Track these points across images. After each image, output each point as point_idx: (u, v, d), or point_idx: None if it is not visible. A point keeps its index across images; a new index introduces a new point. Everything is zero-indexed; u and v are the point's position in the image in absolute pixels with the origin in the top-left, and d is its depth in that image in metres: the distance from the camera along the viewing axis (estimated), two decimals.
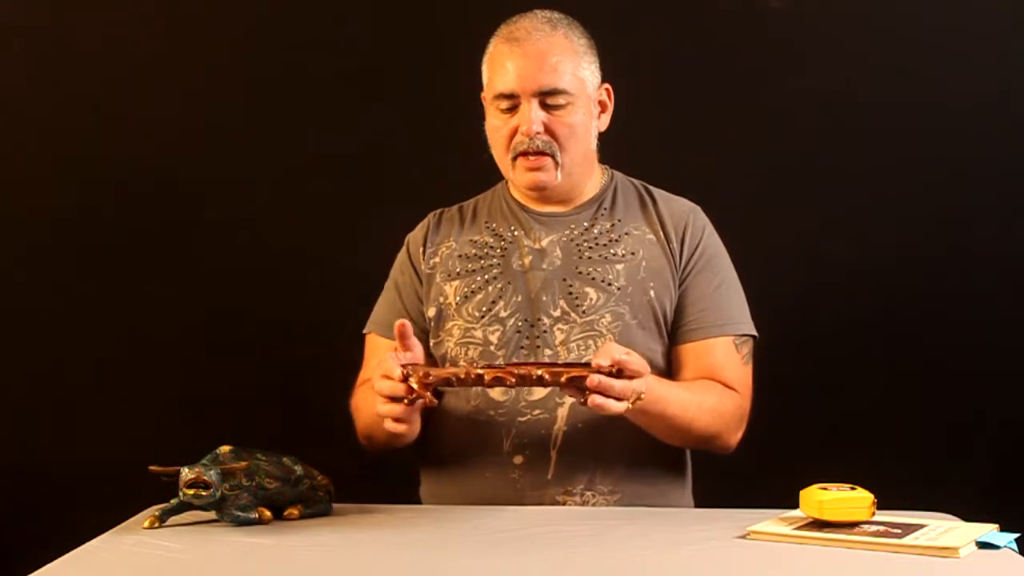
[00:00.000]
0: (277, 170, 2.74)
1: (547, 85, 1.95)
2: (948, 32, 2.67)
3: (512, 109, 1.97)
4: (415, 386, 1.67)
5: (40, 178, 2.76)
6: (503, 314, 1.98)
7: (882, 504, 1.65)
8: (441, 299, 2.03)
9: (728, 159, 2.65)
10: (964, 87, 2.65)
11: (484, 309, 1.99)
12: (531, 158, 1.97)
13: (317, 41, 2.75)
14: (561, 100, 1.95)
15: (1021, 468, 2.63)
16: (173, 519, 1.71)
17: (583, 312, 1.96)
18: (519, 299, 1.99)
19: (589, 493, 1.92)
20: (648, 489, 1.95)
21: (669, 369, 2.01)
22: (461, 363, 1.95)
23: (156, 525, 1.70)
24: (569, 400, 1.90)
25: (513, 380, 1.66)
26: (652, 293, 1.98)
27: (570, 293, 1.98)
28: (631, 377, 1.69)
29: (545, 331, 1.96)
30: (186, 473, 1.67)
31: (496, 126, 2.00)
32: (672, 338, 2.01)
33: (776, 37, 2.69)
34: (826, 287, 2.66)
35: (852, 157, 2.68)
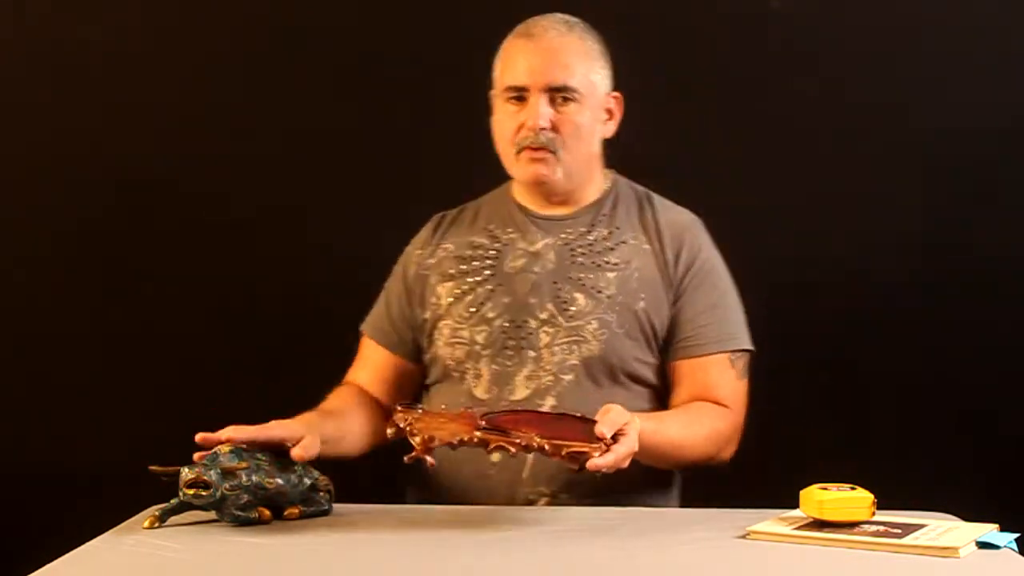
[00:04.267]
0: (280, 171, 2.74)
1: (557, 80, 1.96)
2: (948, 31, 2.66)
3: (520, 102, 1.97)
4: (416, 444, 1.65)
5: (40, 178, 2.75)
6: (490, 315, 1.99)
7: (882, 504, 1.65)
8: (434, 300, 2.04)
9: (726, 160, 2.65)
10: (965, 87, 2.65)
11: (472, 310, 2.00)
12: (534, 151, 1.97)
13: (329, 36, 2.74)
14: (570, 97, 1.96)
15: (1021, 468, 2.63)
16: (173, 519, 1.71)
17: (570, 317, 1.96)
18: (507, 300, 1.99)
19: (564, 495, 1.91)
20: (628, 493, 1.92)
21: (662, 383, 2.01)
22: (467, 407, 1.89)
23: (156, 525, 1.70)
24: (549, 402, 1.92)
25: (514, 450, 1.66)
26: (642, 304, 1.98)
27: (558, 297, 1.98)
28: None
29: (531, 333, 1.96)
30: (186, 473, 1.67)
31: (502, 120, 2.00)
32: (667, 353, 2.01)
33: (776, 38, 2.69)
34: (826, 288, 2.65)
35: (851, 158, 2.68)
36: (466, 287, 2.02)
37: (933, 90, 2.66)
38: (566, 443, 1.66)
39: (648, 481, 1.96)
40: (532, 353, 1.95)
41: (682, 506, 2.06)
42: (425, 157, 2.70)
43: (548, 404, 1.92)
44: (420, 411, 1.74)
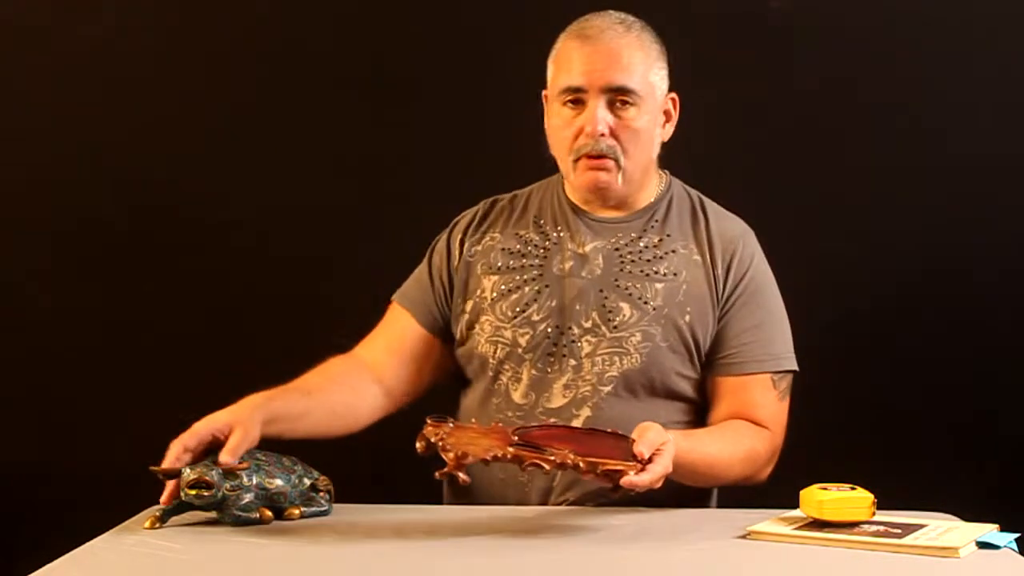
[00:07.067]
0: (279, 171, 2.74)
1: (616, 82, 1.88)
2: (947, 30, 2.67)
3: (577, 104, 1.90)
4: (448, 460, 1.61)
5: (40, 179, 2.75)
6: (535, 318, 1.94)
7: (882, 504, 1.65)
8: (479, 292, 1.99)
9: (726, 158, 2.65)
10: (964, 85, 2.65)
11: (517, 310, 1.95)
12: (594, 159, 1.91)
13: (325, 41, 2.75)
14: (629, 100, 1.89)
15: (1021, 468, 2.63)
16: (174, 519, 1.71)
17: (614, 327, 1.91)
18: (553, 304, 1.94)
19: (591, 504, 1.87)
20: (663, 507, 1.87)
21: (702, 397, 1.97)
22: (499, 420, 1.87)
23: (157, 525, 1.69)
24: (584, 413, 1.88)
25: (548, 468, 1.63)
26: (688, 318, 1.92)
27: (603, 305, 1.92)
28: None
29: (573, 340, 1.91)
30: (188, 473, 1.67)
31: (558, 126, 1.93)
32: (709, 367, 1.95)
33: (775, 36, 2.69)
34: (826, 287, 2.65)
35: (852, 157, 2.68)
36: (513, 284, 1.97)
37: (935, 90, 2.66)
38: (601, 460, 1.62)
39: (683, 495, 1.90)
40: (573, 362, 1.90)
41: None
42: (430, 161, 2.70)
43: (584, 415, 1.88)
44: (451, 425, 1.68)
